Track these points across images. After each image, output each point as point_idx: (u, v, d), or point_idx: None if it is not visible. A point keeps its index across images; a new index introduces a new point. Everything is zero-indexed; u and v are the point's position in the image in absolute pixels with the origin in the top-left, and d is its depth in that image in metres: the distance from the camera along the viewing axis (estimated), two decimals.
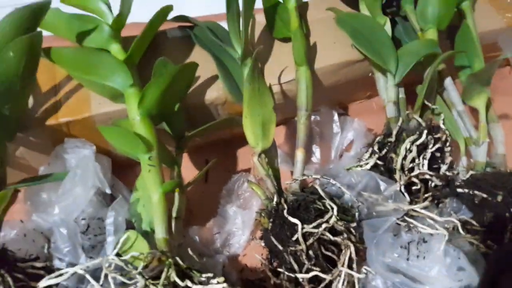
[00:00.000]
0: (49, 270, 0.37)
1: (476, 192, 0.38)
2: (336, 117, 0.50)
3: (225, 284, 0.31)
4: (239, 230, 0.43)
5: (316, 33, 0.49)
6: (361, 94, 0.55)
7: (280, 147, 0.48)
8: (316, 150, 0.49)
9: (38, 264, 0.37)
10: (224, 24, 0.48)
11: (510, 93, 0.57)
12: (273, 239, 0.37)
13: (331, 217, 0.35)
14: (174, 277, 0.32)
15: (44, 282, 0.33)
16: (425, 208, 0.36)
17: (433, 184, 0.39)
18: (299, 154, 0.41)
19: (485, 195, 0.38)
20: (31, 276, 0.36)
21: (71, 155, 0.40)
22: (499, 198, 0.37)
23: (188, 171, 0.48)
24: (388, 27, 0.43)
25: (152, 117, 0.38)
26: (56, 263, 0.37)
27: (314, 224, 0.35)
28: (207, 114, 0.46)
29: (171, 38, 0.48)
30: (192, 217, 0.44)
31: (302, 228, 0.35)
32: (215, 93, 0.45)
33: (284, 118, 0.52)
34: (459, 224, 0.35)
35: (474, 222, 0.37)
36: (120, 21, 0.41)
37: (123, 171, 0.46)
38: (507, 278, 0.33)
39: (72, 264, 0.36)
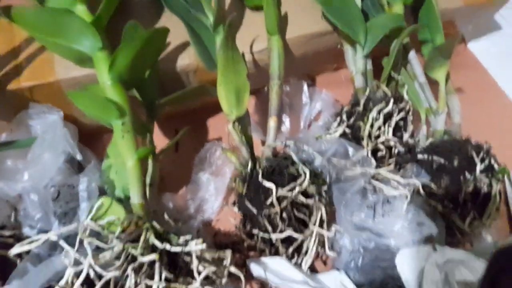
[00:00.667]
0: (18, 238, 0.36)
1: (434, 157, 0.41)
2: (305, 88, 0.51)
3: (204, 245, 0.32)
4: (212, 196, 0.44)
5: (287, 3, 0.49)
6: (329, 66, 0.56)
7: (251, 116, 0.49)
8: (286, 120, 0.50)
9: (6, 233, 0.36)
10: None
11: (464, 68, 0.61)
12: (247, 203, 0.38)
13: (304, 181, 0.37)
14: (153, 240, 0.32)
15: (16, 249, 0.32)
16: (389, 172, 0.39)
17: (396, 151, 0.42)
18: (272, 122, 0.42)
19: (442, 161, 0.41)
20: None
21: (36, 121, 0.38)
22: (455, 163, 0.40)
23: (159, 139, 0.48)
24: (358, 0, 0.44)
25: (123, 82, 0.37)
26: (26, 230, 0.36)
27: (288, 188, 0.37)
28: (178, 81, 0.45)
29: (139, 1, 0.46)
30: (164, 185, 0.44)
31: (276, 192, 0.36)
32: (187, 60, 0.44)
33: (254, 88, 0.52)
34: (420, 185, 0.38)
35: (432, 185, 0.40)
36: None
37: (89, 139, 0.45)
38: (507, 278, 0.32)
39: (43, 231, 0.35)
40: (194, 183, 0.44)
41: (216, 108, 0.42)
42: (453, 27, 0.60)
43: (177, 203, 0.42)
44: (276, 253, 0.39)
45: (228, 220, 0.42)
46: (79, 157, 0.37)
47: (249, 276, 0.39)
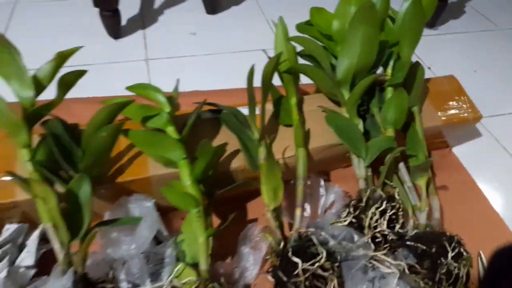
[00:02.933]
0: None
1: (418, 245, 0.55)
2: (322, 182, 0.67)
3: None
4: (251, 265, 0.58)
5: (309, 121, 0.67)
6: (341, 164, 0.72)
7: None
8: (307, 207, 0.65)
9: (108, 286, 0.51)
10: (243, 110, 0.66)
11: (448, 168, 0.77)
12: (280, 273, 0.52)
13: (321, 258, 0.51)
14: None
15: None
16: (384, 254, 0.53)
17: (390, 238, 0.57)
18: (298, 212, 0.57)
19: (424, 247, 0.55)
20: None
21: (134, 205, 0.54)
22: (434, 249, 0.54)
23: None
24: (361, 126, 0.61)
25: (197, 181, 0.54)
26: (123, 285, 0.50)
27: (310, 263, 0.51)
28: (229, 177, 0.62)
29: (204, 119, 0.65)
30: (216, 256, 0.59)
31: (302, 266, 0.51)
32: (237, 163, 0.61)
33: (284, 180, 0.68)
34: (406, 267, 0.52)
35: (417, 266, 0.54)
36: (173, 111, 0.58)
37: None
38: (507, 278, 0.35)
39: (136, 285, 0.50)
40: (238, 254, 0.59)
41: (253, 196, 0.58)
42: (441, 136, 0.78)
43: (225, 269, 0.57)
44: None
45: (264, 285, 0.56)
46: (165, 233, 0.53)
47: None
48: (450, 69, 0.88)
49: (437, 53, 1.12)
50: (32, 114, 0.52)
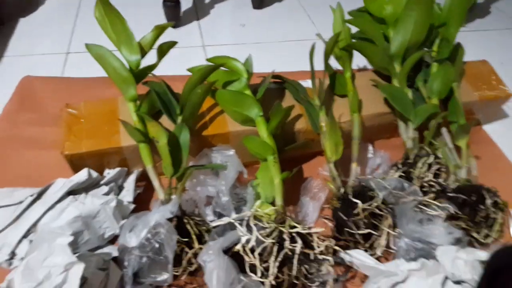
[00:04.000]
0: (203, 221, 0.61)
1: (460, 195, 0.64)
2: (370, 147, 0.77)
3: (323, 229, 0.56)
4: (311, 212, 0.67)
5: (360, 93, 0.76)
6: (385, 134, 0.82)
7: None
8: (358, 168, 0.75)
9: (196, 218, 0.60)
10: (302, 83, 0.76)
11: (479, 142, 0.85)
12: (340, 213, 0.62)
13: (378, 199, 0.60)
14: (292, 223, 0.56)
15: (215, 223, 0.57)
16: (430, 199, 0.62)
17: (435, 189, 0.65)
18: (354, 165, 0.67)
19: (465, 197, 0.64)
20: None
21: (216, 154, 0.64)
22: (473, 198, 0.63)
23: None
24: (410, 95, 0.71)
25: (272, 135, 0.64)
26: (209, 217, 0.61)
27: (368, 203, 0.60)
28: (293, 137, 0.72)
29: (271, 88, 0.75)
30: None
31: (361, 206, 0.60)
32: (301, 125, 0.71)
33: None
34: (451, 209, 0.61)
35: (459, 212, 0.62)
36: (250, 76, 0.68)
37: None
38: (504, 278, 0.35)
39: (221, 216, 0.60)
40: (300, 203, 0.68)
41: (307, 158, 0.68)
42: (472, 113, 0.86)
43: (290, 213, 0.66)
44: (356, 247, 0.62)
45: (321, 227, 0.65)
46: (245, 175, 0.63)
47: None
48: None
49: (466, 47, 1.21)
50: (138, 73, 0.63)
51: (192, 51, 1.07)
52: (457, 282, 0.55)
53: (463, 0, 0.67)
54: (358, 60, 0.88)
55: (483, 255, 0.56)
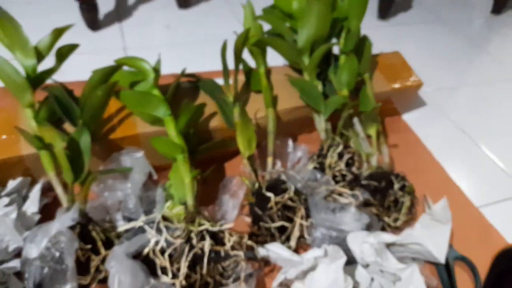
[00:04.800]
0: (113, 227, 0.58)
1: (371, 182, 0.66)
2: (290, 142, 0.77)
3: (230, 225, 0.55)
4: (230, 209, 0.67)
5: (276, 88, 0.77)
6: (306, 128, 0.83)
7: (255, 159, 0.74)
8: (278, 163, 0.75)
9: (107, 224, 0.58)
10: (218, 80, 0.75)
11: (398, 131, 0.89)
12: (256, 208, 0.61)
13: (290, 191, 0.61)
14: (202, 221, 0.55)
15: (122, 227, 0.54)
16: (341, 187, 0.63)
17: (348, 178, 0.67)
18: (269, 160, 0.67)
19: (376, 183, 0.65)
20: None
21: (125, 157, 0.62)
22: (383, 184, 0.65)
23: None
24: (320, 87, 0.72)
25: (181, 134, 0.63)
26: (120, 223, 0.58)
27: (281, 196, 0.60)
28: (208, 136, 0.71)
29: (184, 87, 0.74)
30: (199, 203, 0.67)
31: (274, 199, 0.60)
32: (215, 122, 0.70)
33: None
34: (361, 197, 0.62)
35: (371, 199, 0.64)
36: (157, 76, 0.66)
37: None
38: (509, 280, 0.34)
39: (131, 220, 0.57)
40: (219, 201, 0.67)
41: (229, 157, 0.67)
42: (390, 103, 0.89)
43: (209, 212, 0.65)
44: (273, 241, 0.61)
45: (241, 225, 0.65)
46: (155, 177, 0.61)
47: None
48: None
49: (384, 41, 1.26)
50: (34, 79, 0.59)
51: (112, 54, 1.03)
52: (366, 266, 0.56)
53: None
54: (280, 56, 0.89)
55: (389, 237, 0.57)
